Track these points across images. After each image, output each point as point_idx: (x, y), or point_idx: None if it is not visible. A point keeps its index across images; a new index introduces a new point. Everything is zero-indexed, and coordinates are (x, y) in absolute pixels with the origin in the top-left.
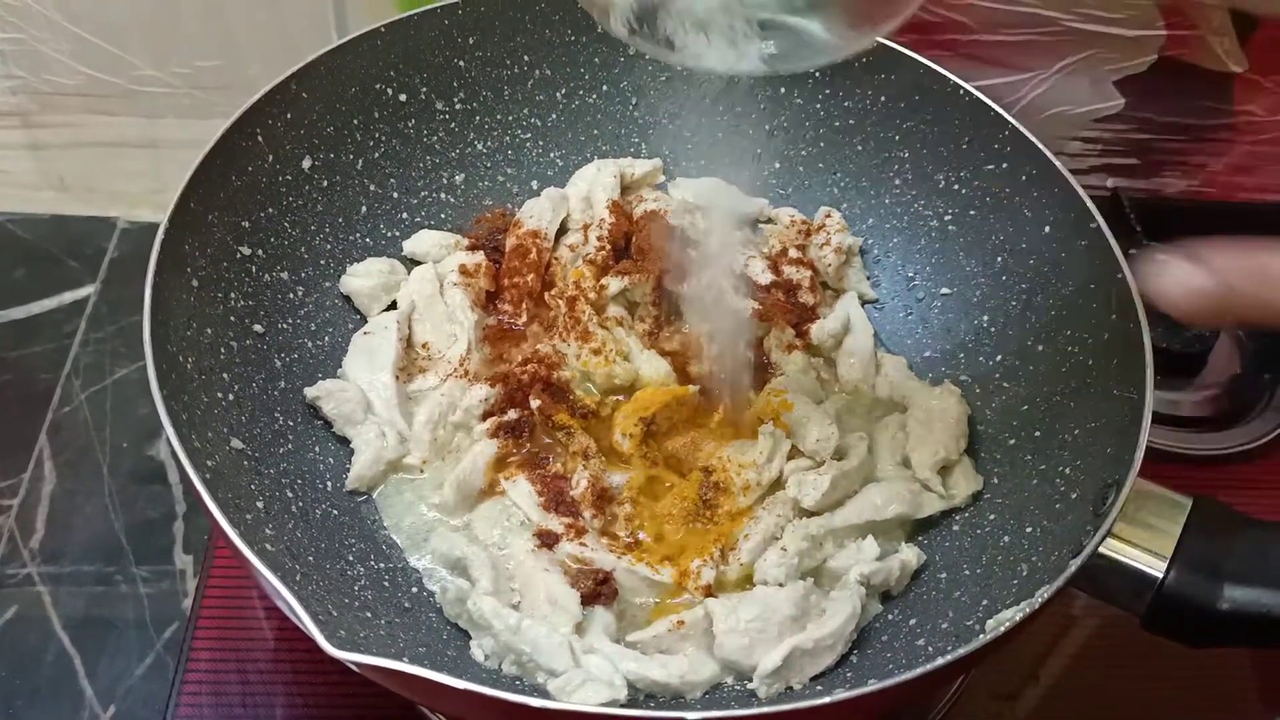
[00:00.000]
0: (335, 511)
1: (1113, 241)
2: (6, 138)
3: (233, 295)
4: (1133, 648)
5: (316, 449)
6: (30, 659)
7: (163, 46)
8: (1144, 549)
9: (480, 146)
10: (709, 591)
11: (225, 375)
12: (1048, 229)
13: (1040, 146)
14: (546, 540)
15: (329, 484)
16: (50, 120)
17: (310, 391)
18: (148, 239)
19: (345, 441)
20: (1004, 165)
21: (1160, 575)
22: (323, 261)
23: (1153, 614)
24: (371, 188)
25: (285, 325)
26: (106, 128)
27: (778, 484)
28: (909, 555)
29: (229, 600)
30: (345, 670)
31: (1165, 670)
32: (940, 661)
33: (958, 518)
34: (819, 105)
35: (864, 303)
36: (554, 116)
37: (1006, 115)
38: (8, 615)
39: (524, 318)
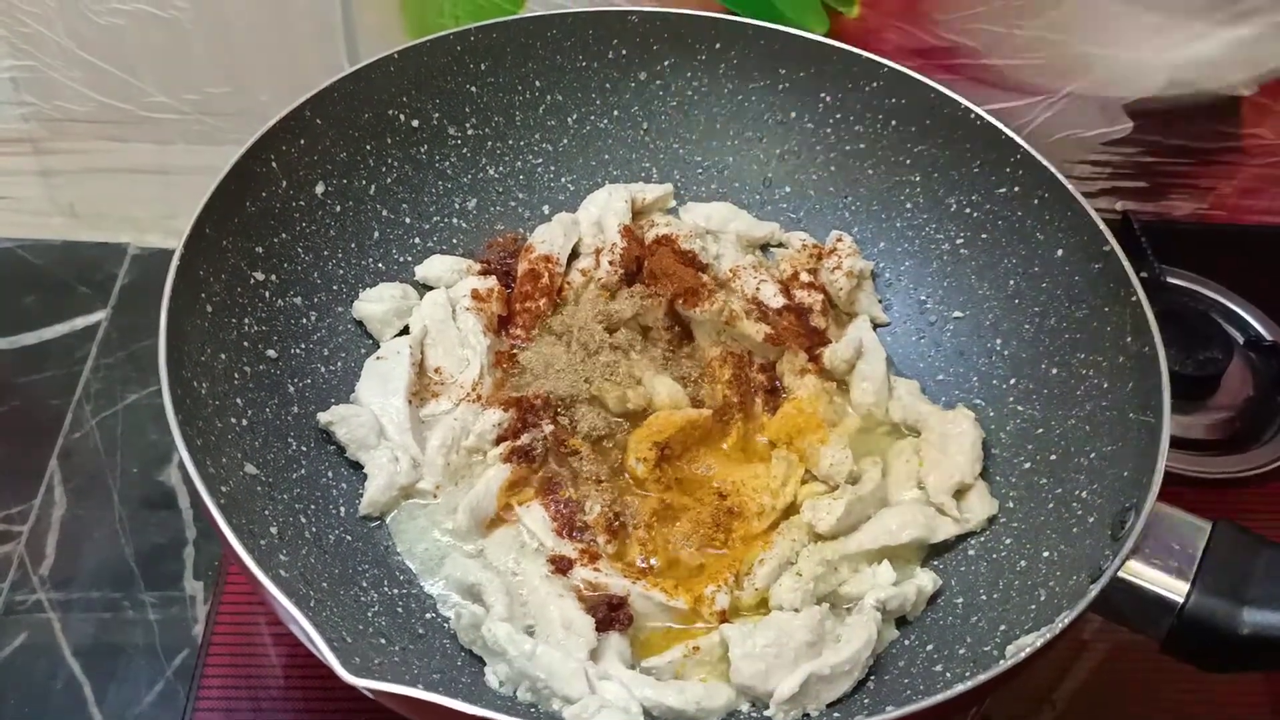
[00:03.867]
0: (349, 537)
1: (1126, 264)
2: (18, 164)
3: (246, 320)
4: (1148, 671)
5: (329, 474)
6: (40, 686)
7: (173, 73)
8: (1164, 573)
9: (492, 172)
10: (724, 617)
11: (239, 400)
12: (1060, 252)
13: (1052, 169)
14: (560, 566)
15: (342, 509)
16: (61, 147)
17: (323, 416)
18: (158, 265)
19: (358, 467)
20: (1016, 189)
21: (1181, 600)
22: (335, 287)
23: (1173, 639)
24: (384, 213)
25: (298, 350)
26: (117, 154)
27: (792, 508)
28: (925, 580)
29: (240, 627)
30: (358, 698)
31: (1181, 694)
32: (960, 688)
33: (973, 542)
34: (829, 129)
35: (876, 326)
36: (565, 142)
37: (1018, 138)
38: (17, 642)
39: (536, 342)
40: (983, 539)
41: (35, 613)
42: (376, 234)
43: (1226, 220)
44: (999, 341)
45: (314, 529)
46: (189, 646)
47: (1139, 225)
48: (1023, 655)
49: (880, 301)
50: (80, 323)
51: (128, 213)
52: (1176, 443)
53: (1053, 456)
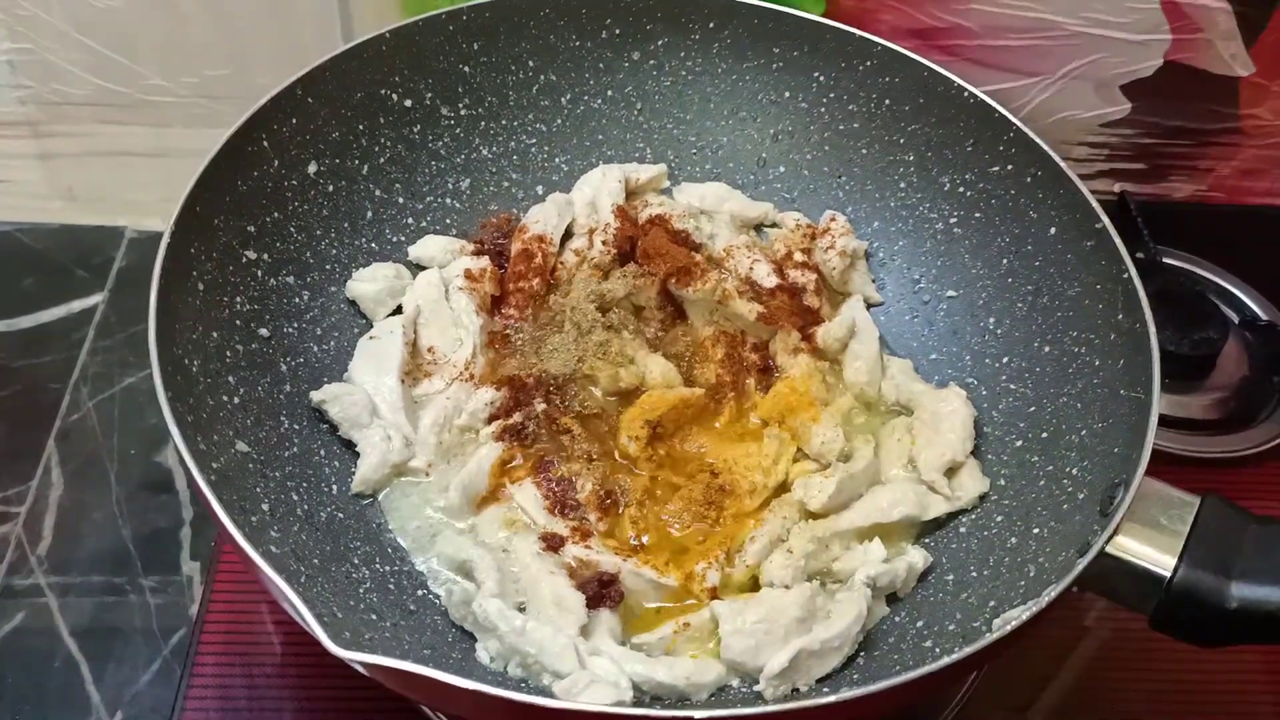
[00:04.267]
0: (341, 515)
1: (1119, 242)
2: (16, 147)
3: (238, 299)
4: (1144, 659)
5: (322, 452)
6: (38, 666)
7: (171, 56)
8: (1152, 548)
9: (485, 152)
10: (714, 594)
11: (231, 379)
12: (1053, 230)
13: (1045, 148)
14: (552, 543)
15: (334, 487)
16: (59, 130)
17: (316, 395)
18: (156, 248)
19: (350, 445)
20: (1009, 167)
21: (1168, 574)
22: (328, 266)
23: (1161, 613)
24: (377, 193)
25: (291, 329)
26: (115, 137)
27: (784, 487)
28: (915, 557)
29: (235, 607)
30: (351, 674)
31: (1176, 681)
32: (946, 661)
33: (965, 520)
34: (824, 109)
35: (869, 306)
36: (559, 122)
37: (1011, 117)
38: (15, 622)
39: (529, 321)
40: (974, 516)
41: (33, 594)
42: (369, 214)
43: (1225, 202)
44: (992, 320)
45: (305, 506)
46: (186, 626)
47: (1135, 206)
48: (1008, 629)
49: (874, 281)
50: (78, 306)
51: (126, 196)
52: (1172, 422)
53: (1044, 434)
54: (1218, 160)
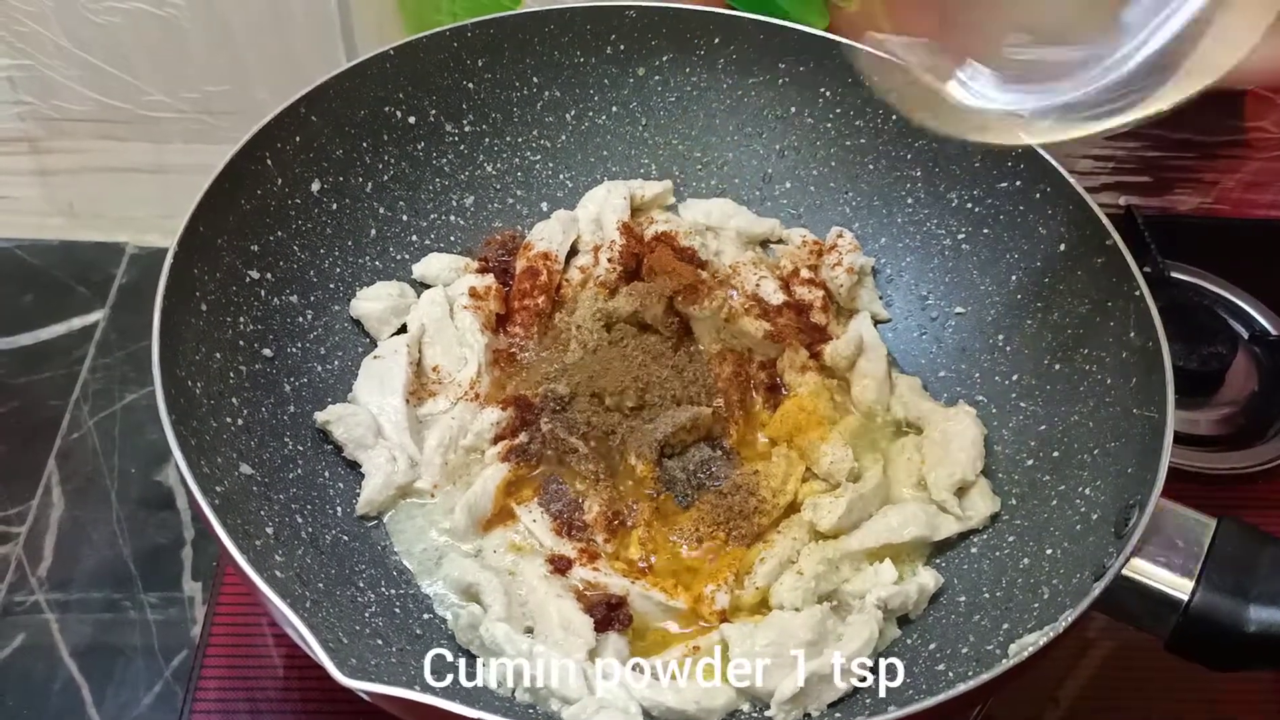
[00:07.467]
0: (345, 537)
1: (1129, 258)
2: (15, 164)
3: (242, 319)
4: (1154, 670)
5: (326, 474)
6: (38, 687)
7: (171, 72)
8: (1168, 570)
9: (490, 168)
10: (724, 616)
11: (234, 400)
12: (1063, 246)
13: (1054, 163)
14: (559, 565)
15: (339, 509)
16: (59, 146)
17: (320, 416)
18: (157, 264)
19: (355, 466)
20: (1017, 183)
21: (1185, 598)
22: (332, 285)
23: (1177, 637)
24: (381, 210)
25: (295, 349)
26: (115, 153)
27: (793, 507)
28: (927, 578)
29: (238, 628)
30: (356, 699)
31: (1187, 693)
32: (963, 688)
33: (976, 540)
34: (830, 124)
35: (877, 323)
36: (563, 138)
37: None
38: (16, 643)
39: (534, 340)
40: (985, 537)
41: (33, 614)
42: (373, 232)
43: (1231, 214)
44: (1001, 337)
45: (310, 529)
46: (187, 647)
47: (1142, 220)
48: (1025, 654)
49: (881, 298)
50: (78, 323)
51: (126, 212)
52: (1181, 438)
53: (1055, 453)
54: (1223, 173)
